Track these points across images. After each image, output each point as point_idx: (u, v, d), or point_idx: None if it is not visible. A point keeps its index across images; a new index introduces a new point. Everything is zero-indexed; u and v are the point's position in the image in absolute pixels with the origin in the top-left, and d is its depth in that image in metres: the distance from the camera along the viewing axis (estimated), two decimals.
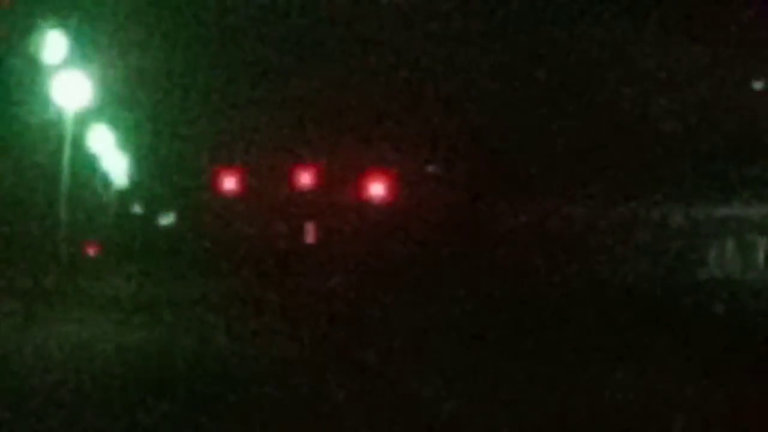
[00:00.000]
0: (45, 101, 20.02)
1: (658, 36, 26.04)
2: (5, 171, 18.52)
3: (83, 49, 21.59)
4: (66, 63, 20.39)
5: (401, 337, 12.56)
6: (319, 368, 9.34)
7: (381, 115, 27.48)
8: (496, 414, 6.33)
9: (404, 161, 27.48)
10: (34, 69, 19.17)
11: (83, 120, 23.31)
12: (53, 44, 18.98)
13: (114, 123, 29.17)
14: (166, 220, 33.79)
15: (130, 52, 26.58)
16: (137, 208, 34.75)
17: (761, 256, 19.75)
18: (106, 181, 33.64)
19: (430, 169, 27.69)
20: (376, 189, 27.20)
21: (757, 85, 26.69)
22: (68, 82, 20.06)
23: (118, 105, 27.51)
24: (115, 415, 5.96)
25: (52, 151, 20.26)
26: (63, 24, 20.16)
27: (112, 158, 32.23)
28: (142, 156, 33.00)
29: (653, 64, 26.22)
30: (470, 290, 20.70)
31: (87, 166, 27.88)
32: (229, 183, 30.62)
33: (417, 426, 5.87)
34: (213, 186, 31.08)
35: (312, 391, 7.57)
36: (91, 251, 30.11)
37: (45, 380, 7.79)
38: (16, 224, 18.98)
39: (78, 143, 23.24)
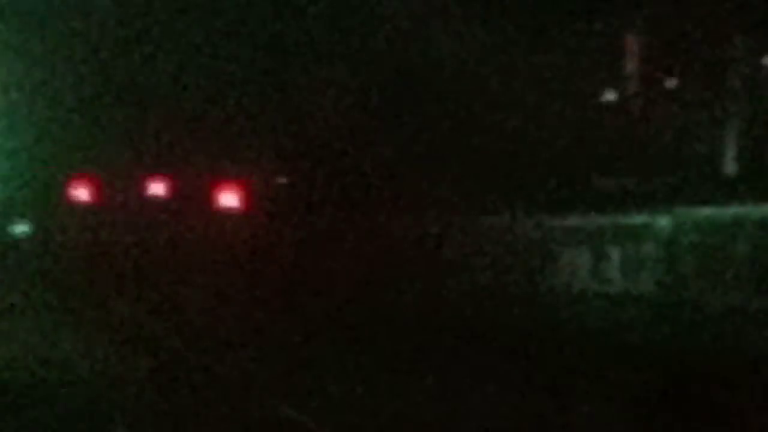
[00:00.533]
0: None
1: (510, 46, 26.35)
2: None
3: None
4: None
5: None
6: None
7: (235, 126, 27.97)
8: None
9: (257, 172, 27.97)
10: None
11: None
12: None
13: None
14: (20, 228, 32.57)
15: None
16: None
17: (615, 265, 19.75)
18: None
19: (283, 179, 28.50)
20: (229, 199, 27.04)
21: (609, 96, 27.42)
22: None
23: None
24: None
25: None
26: None
27: None
28: None
29: (504, 73, 26.59)
30: (313, 297, 22.38)
31: None
32: (83, 191, 29.12)
33: None
34: (67, 194, 29.61)
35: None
36: None
37: None
38: None
39: None
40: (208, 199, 27.51)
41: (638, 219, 15.11)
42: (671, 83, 20.58)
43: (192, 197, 27.98)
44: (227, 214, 27.61)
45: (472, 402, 8.73)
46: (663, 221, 12.74)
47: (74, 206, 29.66)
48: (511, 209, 23.88)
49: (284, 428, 7.41)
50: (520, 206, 23.66)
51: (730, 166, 17.01)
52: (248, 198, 27.33)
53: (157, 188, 28.07)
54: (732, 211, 10.42)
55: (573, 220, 21.98)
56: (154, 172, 28.75)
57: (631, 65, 22.33)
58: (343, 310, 20.84)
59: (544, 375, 10.60)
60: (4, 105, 28.76)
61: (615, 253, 16.73)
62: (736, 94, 17.44)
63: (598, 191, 23.96)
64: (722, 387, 8.64)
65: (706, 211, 11.37)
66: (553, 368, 11.05)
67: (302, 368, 11.90)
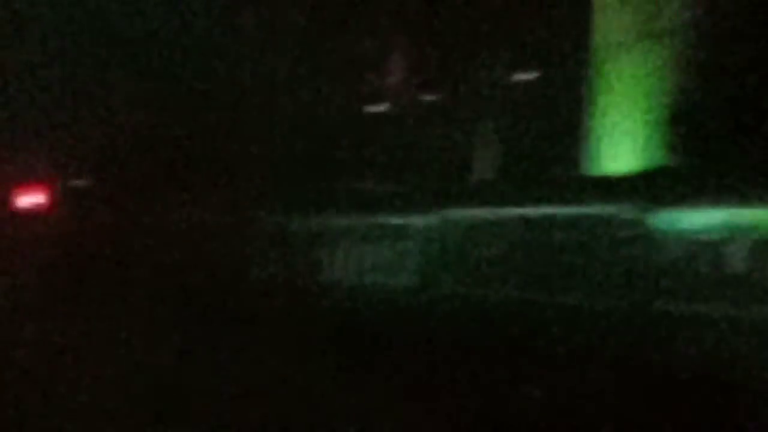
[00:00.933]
0: None
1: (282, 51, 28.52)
2: None
3: None
4: None
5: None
6: None
7: (35, 126, 27.58)
8: None
9: (60, 173, 28.70)
10: None
11: None
12: None
13: None
14: None
15: None
16: None
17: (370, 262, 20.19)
18: None
19: (84, 181, 29.19)
20: (31, 200, 27.33)
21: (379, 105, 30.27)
22: None
23: None
24: None
25: None
26: None
27: None
28: None
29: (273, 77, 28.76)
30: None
31: None
32: None
33: None
34: None
35: None
36: None
37: None
38: None
39: None
40: (10, 201, 26.73)
41: (397, 219, 14.93)
42: (433, 95, 22.93)
43: None
44: (28, 215, 27.07)
45: None
46: (421, 221, 13.79)
47: None
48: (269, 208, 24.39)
49: None
50: (279, 206, 23.96)
51: (489, 173, 19.80)
52: (48, 199, 27.54)
53: None
54: (491, 212, 11.65)
55: (328, 219, 21.62)
56: None
57: (397, 76, 24.30)
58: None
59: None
60: None
61: (371, 251, 16.86)
62: (490, 106, 20.96)
63: (363, 193, 24.56)
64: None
65: (466, 213, 12.43)
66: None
67: None
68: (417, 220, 14.05)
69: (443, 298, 12.33)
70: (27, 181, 26.68)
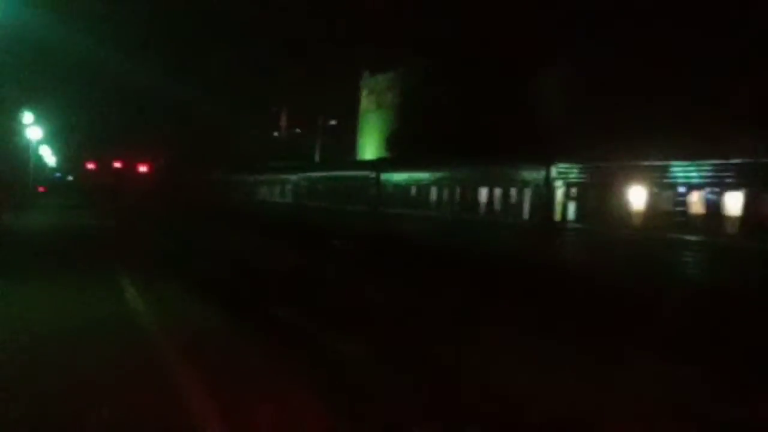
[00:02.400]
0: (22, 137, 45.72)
1: None
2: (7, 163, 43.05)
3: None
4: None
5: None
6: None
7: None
8: None
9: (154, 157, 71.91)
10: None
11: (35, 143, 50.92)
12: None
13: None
14: (70, 178, 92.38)
15: None
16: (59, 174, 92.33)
17: None
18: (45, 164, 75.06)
19: (161, 162, 70.84)
20: (143, 168, 71.46)
21: None
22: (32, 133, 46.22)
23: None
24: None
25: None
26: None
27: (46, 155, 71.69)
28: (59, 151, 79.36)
29: None
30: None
31: (38, 159, 59.16)
32: (90, 165, 78.30)
33: None
34: (84, 167, 79.96)
35: None
36: (41, 190, 65.38)
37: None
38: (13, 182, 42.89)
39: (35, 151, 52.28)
40: (137, 169, 73.59)
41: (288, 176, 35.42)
42: None
43: (132, 168, 72.79)
44: (144, 174, 73.23)
45: None
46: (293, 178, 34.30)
47: (87, 171, 79.78)
48: None
49: None
50: None
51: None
52: (150, 169, 72.82)
53: (117, 164, 75.95)
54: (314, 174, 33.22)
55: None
56: (115, 157, 76.24)
57: None
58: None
59: None
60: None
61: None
62: None
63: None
64: None
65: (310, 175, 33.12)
66: None
67: None
68: (292, 178, 33.70)
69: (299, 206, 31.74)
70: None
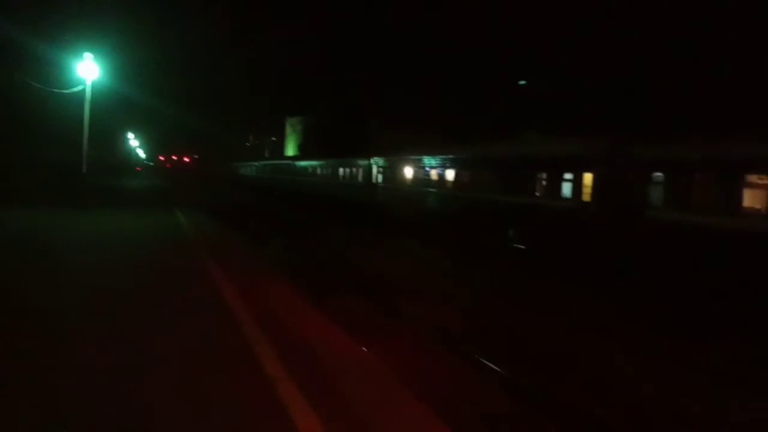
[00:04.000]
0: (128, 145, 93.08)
1: None
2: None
3: None
4: None
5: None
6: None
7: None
8: None
9: (190, 154, 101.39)
10: None
11: (134, 147, 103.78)
12: None
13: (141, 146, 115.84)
14: (152, 163, 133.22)
15: None
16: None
17: None
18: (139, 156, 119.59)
19: (195, 156, 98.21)
20: (186, 159, 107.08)
21: None
22: (132, 143, 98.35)
23: None
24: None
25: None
26: None
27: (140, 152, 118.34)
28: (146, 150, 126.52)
29: None
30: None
31: (136, 154, 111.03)
32: (161, 157, 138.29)
33: None
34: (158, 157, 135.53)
35: None
36: (138, 169, 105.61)
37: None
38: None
39: (134, 150, 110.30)
40: (185, 161, 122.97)
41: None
42: None
43: (183, 160, 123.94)
44: (189, 165, 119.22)
45: None
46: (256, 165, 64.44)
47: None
48: None
49: None
50: None
51: None
52: (191, 161, 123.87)
53: (184, 159, 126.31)
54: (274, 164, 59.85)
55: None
56: (179, 154, 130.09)
57: None
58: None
59: None
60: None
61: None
62: None
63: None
64: None
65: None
66: None
67: None
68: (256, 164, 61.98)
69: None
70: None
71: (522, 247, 20.58)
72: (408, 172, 32.17)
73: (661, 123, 24.17)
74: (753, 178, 13.77)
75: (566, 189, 19.50)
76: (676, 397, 8.37)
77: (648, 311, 12.96)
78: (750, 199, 13.78)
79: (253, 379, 5.91)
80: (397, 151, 34.06)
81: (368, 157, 36.62)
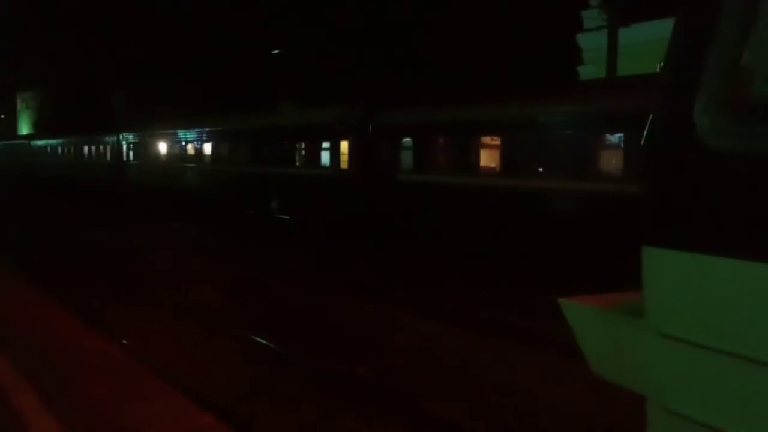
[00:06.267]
0: None
1: None
2: None
3: None
4: None
5: None
6: None
7: None
8: None
9: None
10: None
11: None
12: None
13: None
14: None
15: None
16: None
17: None
18: None
19: None
20: None
21: None
22: None
23: None
24: None
25: None
26: None
27: None
28: None
29: None
30: None
31: None
32: None
33: None
34: None
35: None
36: None
37: None
38: None
39: None
40: None
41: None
42: None
43: None
44: None
45: None
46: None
47: None
48: None
49: None
50: None
51: None
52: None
53: None
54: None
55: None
56: None
57: None
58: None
59: None
60: None
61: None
62: None
63: None
64: None
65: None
66: None
67: None
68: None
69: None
70: None
71: (286, 217, 20.71)
72: (162, 147, 30.47)
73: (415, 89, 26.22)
74: (486, 139, 15.25)
75: (325, 157, 19.94)
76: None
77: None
78: (485, 158, 15.29)
79: None
80: (149, 125, 32.04)
81: (117, 133, 34.02)
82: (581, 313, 2.36)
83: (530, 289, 10.75)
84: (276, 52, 36.89)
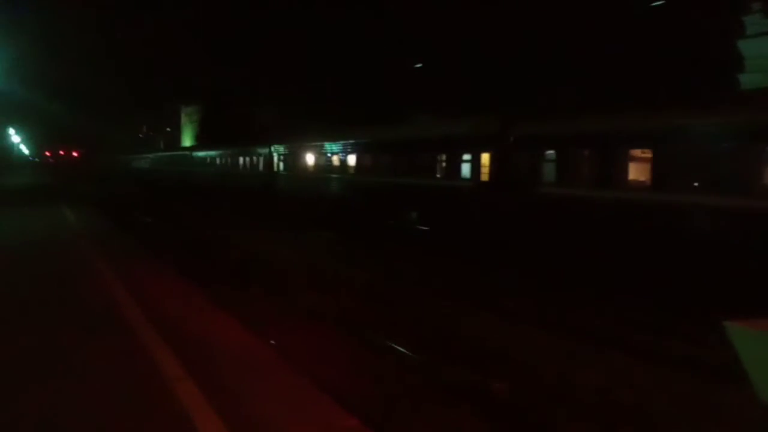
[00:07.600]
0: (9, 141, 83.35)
1: None
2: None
3: None
4: None
5: None
6: None
7: None
8: None
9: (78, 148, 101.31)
10: None
11: (17, 144, 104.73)
12: None
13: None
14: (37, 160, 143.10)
15: None
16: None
17: None
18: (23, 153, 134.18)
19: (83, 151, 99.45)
20: (75, 154, 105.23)
21: None
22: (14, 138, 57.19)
23: None
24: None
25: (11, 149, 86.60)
26: None
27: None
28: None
29: None
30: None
31: (19, 151, 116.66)
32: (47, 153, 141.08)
33: None
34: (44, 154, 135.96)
35: None
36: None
37: None
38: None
39: (17, 147, 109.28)
40: (72, 155, 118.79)
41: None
42: None
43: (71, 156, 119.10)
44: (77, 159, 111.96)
45: None
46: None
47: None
48: None
49: None
50: None
51: None
52: (79, 155, 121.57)
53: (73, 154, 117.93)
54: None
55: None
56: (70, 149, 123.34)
57: None
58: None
59: None
60: None
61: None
62: None
63: None
64: None
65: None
66: None
67: None
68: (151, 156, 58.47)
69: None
70: None
71: (425, 228, 20.86)
72: (310, 158, 31.84)
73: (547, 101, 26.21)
74: (636, 152, 14.55)
75: (465, 169, 19.89)
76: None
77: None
78: (634, 172, 14.58)
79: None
80: (297, 138, 33.60)
81: (269, 145, 36.01)
82: (751, 338, 2.22)
83: (683, 314, 10.10)
84: (419, 66, 37.46)
